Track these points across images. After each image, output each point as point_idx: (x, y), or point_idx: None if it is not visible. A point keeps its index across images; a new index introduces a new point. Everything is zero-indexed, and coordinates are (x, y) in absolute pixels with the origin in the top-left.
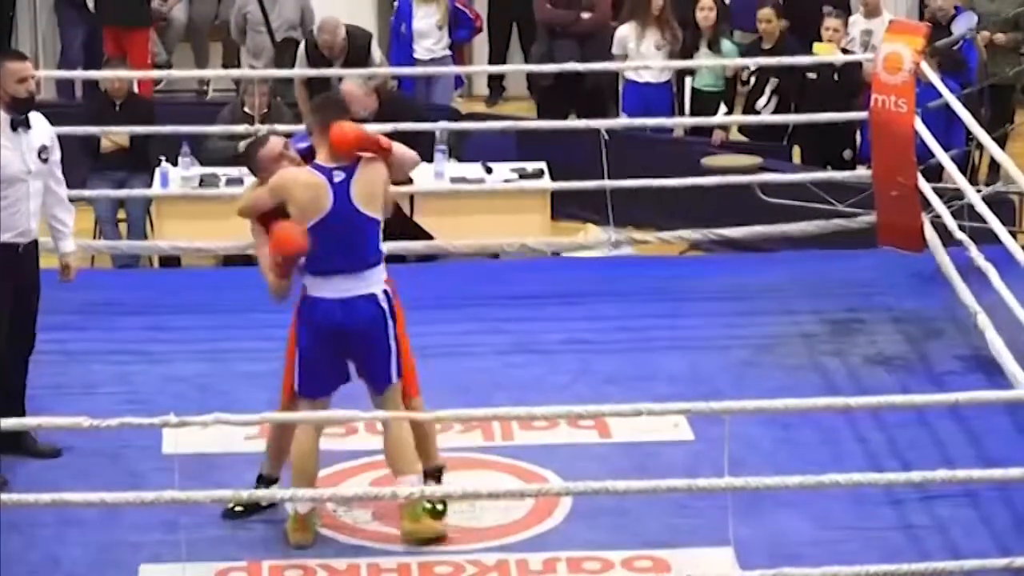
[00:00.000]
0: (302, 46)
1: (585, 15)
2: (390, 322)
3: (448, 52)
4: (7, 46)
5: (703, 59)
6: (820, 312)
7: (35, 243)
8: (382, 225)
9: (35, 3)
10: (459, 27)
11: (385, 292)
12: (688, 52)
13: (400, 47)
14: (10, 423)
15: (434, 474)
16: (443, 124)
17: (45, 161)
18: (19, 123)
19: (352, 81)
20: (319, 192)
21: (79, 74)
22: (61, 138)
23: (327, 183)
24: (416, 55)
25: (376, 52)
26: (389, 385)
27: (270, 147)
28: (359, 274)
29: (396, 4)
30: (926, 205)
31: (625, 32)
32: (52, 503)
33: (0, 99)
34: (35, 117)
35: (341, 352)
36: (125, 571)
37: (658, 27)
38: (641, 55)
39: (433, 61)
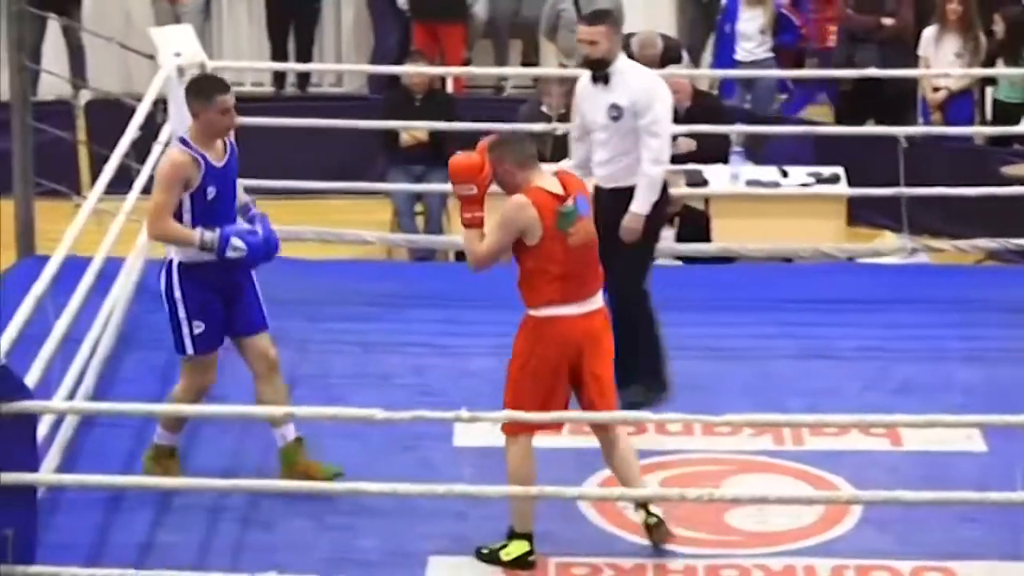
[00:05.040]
0: None
1: (887, 21)
2: None
3: (770, 55)
4: (311, 39)
5: (1003, 69)
6: None
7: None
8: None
9: None
10: (784, 32)
11: None
12: (990, 61)
13: (723, 46)
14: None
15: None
16: (740, 127)
17: (614, 119)
18: (599, 79)
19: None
20: None
21: (367, 68)
22: (359, 132)
23: None
24: (737, 56)
25: (685, 59)
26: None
27: None
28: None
29: (724, 3)
30: None
31: (929, 34)
32: (346, 492)
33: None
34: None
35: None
36: (415, 561)
37: (959, 34)
38: (939, 62)
39: (754, 63)
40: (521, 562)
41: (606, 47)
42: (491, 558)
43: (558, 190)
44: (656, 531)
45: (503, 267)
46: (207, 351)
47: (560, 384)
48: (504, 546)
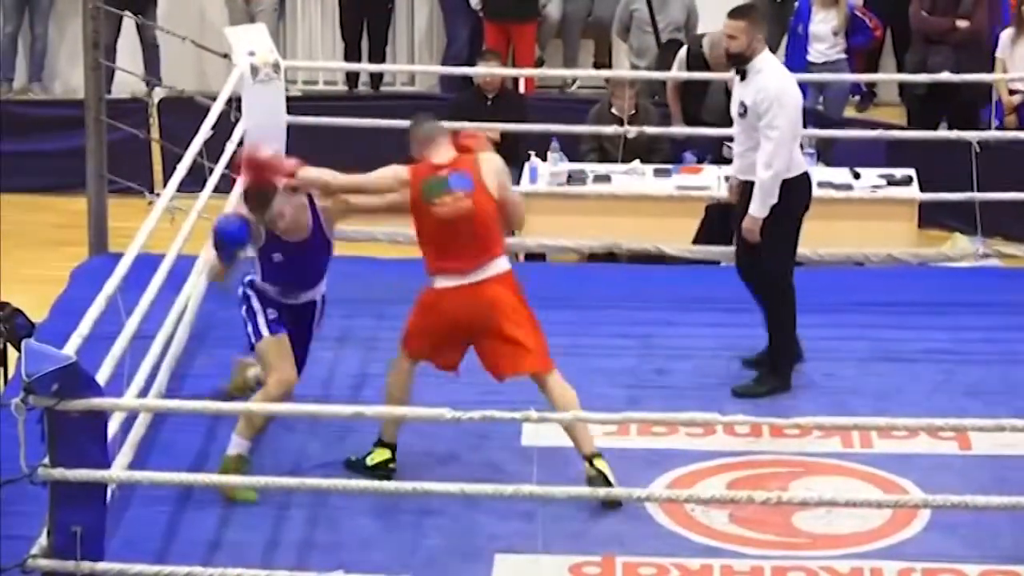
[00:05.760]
0: (683, 52)
1: (961, 23)
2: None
3: (843, 56)
4: (384, 38)
5: None
6: None
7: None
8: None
9: None
10: (856, 33)
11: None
12: None
13: (795, 47)
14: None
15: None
16: (811, 131)
17: (740, 116)
18: (739, 73)
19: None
20: None
21: (439, 68)
22: None
23: None
24: (809, 57)
25: None
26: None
27: None
28: None
29: (796, 4)
30: None
31: (1006, 36)
32: (413, 492)
33: None
34: (756, 79)
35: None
36: (481, 560)
37: None
38: (1015, 64)
39: (826, 65)
40: (382, 468)
41: (744, 42)
42: (356, 465)
43: (442, 161)
44: (593, 483)
45: (575, 271)
46: (280, 332)
47: (446, 346)
48: (369, 453)
